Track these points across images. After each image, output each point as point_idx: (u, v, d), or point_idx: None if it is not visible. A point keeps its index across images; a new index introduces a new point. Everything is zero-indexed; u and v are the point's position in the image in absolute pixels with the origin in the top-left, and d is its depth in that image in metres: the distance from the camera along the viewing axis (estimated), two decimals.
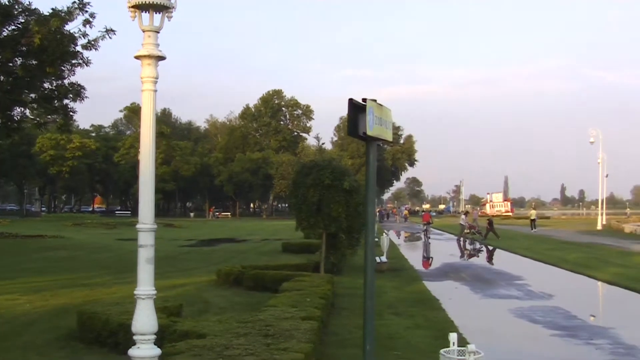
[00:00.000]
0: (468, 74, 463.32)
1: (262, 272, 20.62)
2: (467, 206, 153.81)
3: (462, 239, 51.83)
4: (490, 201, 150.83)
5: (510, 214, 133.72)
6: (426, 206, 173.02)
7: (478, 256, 38.03)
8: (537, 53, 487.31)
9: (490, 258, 37.08)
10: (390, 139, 6.84)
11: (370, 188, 6.44)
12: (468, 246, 46.23)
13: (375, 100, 6.22)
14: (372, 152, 6.38)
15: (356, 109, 6.01)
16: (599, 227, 75.05)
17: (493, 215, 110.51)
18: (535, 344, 14.09)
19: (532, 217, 73.43)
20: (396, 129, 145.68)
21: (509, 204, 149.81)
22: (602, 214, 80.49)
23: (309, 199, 22.00)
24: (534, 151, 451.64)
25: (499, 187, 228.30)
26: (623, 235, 59.48)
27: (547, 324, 15.72)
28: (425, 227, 57.38)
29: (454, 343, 7.41)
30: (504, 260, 36.00)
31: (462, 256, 38.45)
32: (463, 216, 57.05)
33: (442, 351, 7.37)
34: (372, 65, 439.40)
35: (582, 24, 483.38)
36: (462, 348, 7.22)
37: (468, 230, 51.69)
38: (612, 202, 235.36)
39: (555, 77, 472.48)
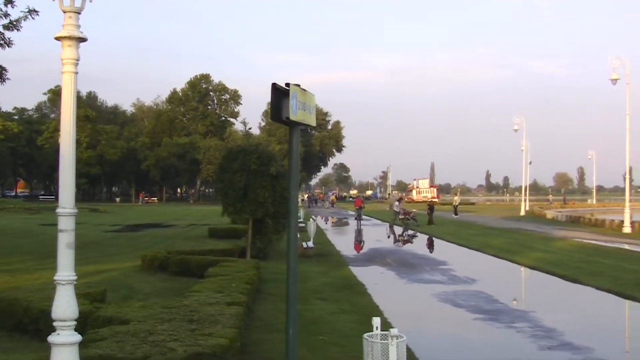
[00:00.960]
0: (397, 61, 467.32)
1: (187, 258, 20.46)
2: (395, 192, 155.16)
3: (400, 224, 51.23)
4: (417, 187, 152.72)
5: (436, 200, 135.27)
6: (353, 192, 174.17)
7: (412, 242, 38.22)
8: (465, 40, 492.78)
9: (430, 245, 37.20)
10: (314, 124, 6.84)
11: (293, 173, 6.43)
12: (402, 232, 46.30)
13: (298, 85, 6.21)
14: (295, 137, 6.37)
15: (280, 93, 5.99)
16: (522, 213, 76.55)
17: (420, 202, 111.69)
18: (458, 328, 14.32)
19: (455, 204, 74.78)
20: (324, 115, 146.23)
21: (435, 190, 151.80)
22: (525, 201, 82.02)
23: (235, 184, 21.89)
24: (460, 138, 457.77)
25: (426, 174, 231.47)
26: (545, 221, 60.74)
27: (470, 308, 15.96)
28: (358, 212, 58.65)
29: (377, 327, 7.46)
30: (429, 245, 36.43)
31: (396, 242, 38.40)
32: (397, 202, 56.99)
33: (365, 335, 7.41)
34: (302, 51, 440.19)
35: (508, 12, 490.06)
36: (385, 332, 7.27)
37: (403, 217, 51.75)
38: (536, 189, 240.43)
39: (481, 64, 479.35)
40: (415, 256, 28.59)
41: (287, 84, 6.04)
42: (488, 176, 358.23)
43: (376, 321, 7.44)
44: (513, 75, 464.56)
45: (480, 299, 17.17)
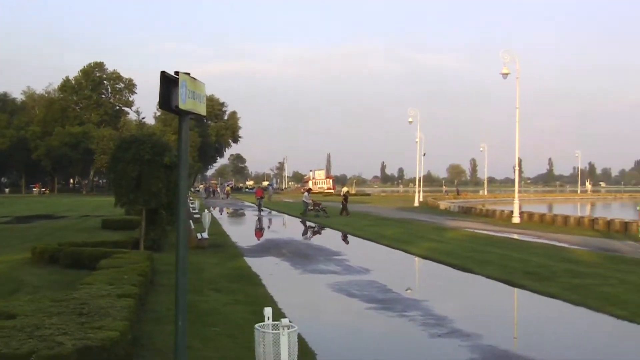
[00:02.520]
0: (294, 52, 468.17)
1: (79, 250, 20.04)
2: (291, 183, 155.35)
3: (311, 215, 50.72)
4: (313, 178, 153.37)
5: (332, 191, 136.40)
6: (250, 182, 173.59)
7: (321, 233, 38.22)
8: (362, 33, 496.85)
9: (326, 236, 37.28)
10: (205, 114, 6.77)
11: (182, 163, 6.35)
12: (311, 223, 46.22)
13: (188, 74, 6.13)
14: (185, 126, 6.29)
15: (169, 82, 5.91)
16: (416, 204, 77.90)
17: (316, 192, 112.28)
18: (351, 317, 14.46)
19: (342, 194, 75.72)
20: (220, 105, 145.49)
21: (331, 181, 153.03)
22: (419, 192, 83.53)
23: (128, 174, 21.50)
24: (356, 130, 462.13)
25: (322, 165, 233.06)
26: (438, 212, 62.01)
27: (364, 297, 16.13)
28: (258, 202, 60.28)
29: (268, 317, 7.44)
30: (325, 236, 36.71)
31: (305, 234, 38.25)
32: (306, 193, 56.78)
33: (256, 326, 7.38)
34: (200, 41, 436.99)
35: (403, 5, 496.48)
36: (277, 322, 7.27)
37: (312, 208, 51.64)
38: (430, 180, 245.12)
39: (377, 57, 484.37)
40: (310, 247, 28.73)
41: (177, 72, 5.96)
42: (383, 167, 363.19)
43: (268, 311, 7.43)
44: (408, 68, 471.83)
45: (374, 289, 17.37)
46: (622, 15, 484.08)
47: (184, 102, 5.99)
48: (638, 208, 30.27)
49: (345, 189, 73.34)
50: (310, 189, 68.92)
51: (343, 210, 52.44)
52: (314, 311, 15.23)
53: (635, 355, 11.68)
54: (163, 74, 5.92)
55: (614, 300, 15.14)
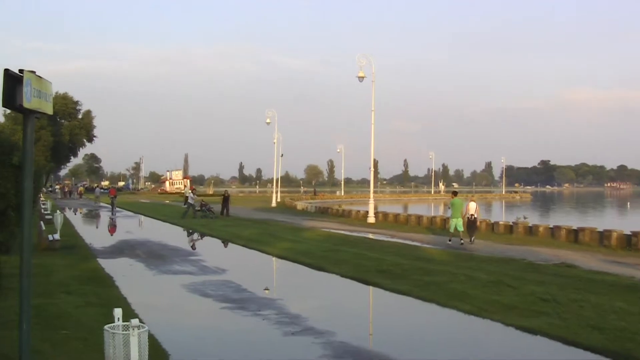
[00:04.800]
0: (155, 52, 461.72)
1: None
2: (148, 183, 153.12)
3: (198, 216, 49.42)
4: (170, 178, 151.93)
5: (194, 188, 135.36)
6: (105, 183, 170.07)
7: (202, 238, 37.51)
8: (221, 34, 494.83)
9: (183, 237, 36.98)
10: (51, 112, 6.64)
11: (27, 163, 6.20)
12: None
13: (34, 72, 6.02)
14: (29, 125, 6.16)
15: (13, 80, 5.77)
16: (274, 204, 78.21)
17: (173, 193, 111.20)
18: (206, 317, 14.46)
19: (187, 194, 75.46)
20: (74, 104, 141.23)
21: (188, 181, 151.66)
22: (276, 192, 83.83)
23: None
24: (215, 130, 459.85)
25: (180, 165, 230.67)
26: (295, 212, 62.50)
27: (219, 297, 16.14)
28: (112, 201, 60.74)
29: (118, 318, 7.39)
30: (182, 237, 36.43)
31: (190, 235, 37.33)
32: (191, 194, 55.40)
33: (106, 327, 7.31)
34: (56, 38, 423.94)
35: (264, 8, 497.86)
36: (127, 323, 7.22)
37: (199, 208, 50.46)
38: (288, 181, 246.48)
39: (236, 59, 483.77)
40: (166, 247, 28.39)
41: (21, 71, 5.84)
42: (241, 168, 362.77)
43: (117, 312, 7.38)
44: (267, 70, 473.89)
45: (229, 289, 17.39)
46: (475, 24, 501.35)
47: (29, 100, 5.88)
48: (448, 206, 32.16)
49: (225, 190, 72.83)
50: (194, 189, 67.79)
51: (224, 209, 51.88)
52: (168, 312, 15.12)
53: (481, 347, 12.15)
54: (7, 71, 5.79)
55: (461, 296, 15.72)
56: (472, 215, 31.14)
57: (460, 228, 30.64)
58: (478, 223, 32.58)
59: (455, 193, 35.03)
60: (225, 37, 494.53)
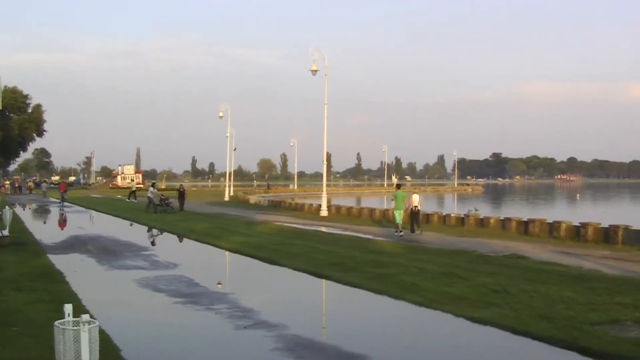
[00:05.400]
0: (107, 45, 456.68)
1: None
2: (99, 178, 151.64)
3: (155, 211, 48.60)
4: (122, 173, 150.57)
5: (141, 185, 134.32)
6: (55, 178, 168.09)
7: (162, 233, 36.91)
8: (173, 27, 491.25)
9: (133, 231, 36.58)
10: (0, 107, 6.57)
11: None
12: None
13: None
14: None
15: None
16: (227, 198, 78.04)
17: (125, 187, 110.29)
18: (158, 312, 14.40)
19: (133, 188, 74.76)
20: (24, 98, 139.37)
21: (140, 175, 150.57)
22: (229, 186, 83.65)
23: None
24: (167, 124, 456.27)
25: (132, 159, 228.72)
26: (248, 206, 62.41)
27: (171, 292, 16.08)
28: (62, 196, 61.02)
29: (69, 314, 7.34)
30: (134, 231, 36.18)
31: (149, 230, 36.64)
32: (151, 188, 54.41)
33: (56, 323, 7.26)
34: (6, 30, 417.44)
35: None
36: (77, 319, 7.17)
37: (159, 203, 49.71)
38: (241, 175, 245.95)
39: (188, 52, 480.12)
40: (118, 243, 28.15)
41: None
42: (194, 162, 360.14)
43: (68, 308, 7.33)
44: (219, 63, 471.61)
45: (181, 283, 17.34)
46: (430, 20, 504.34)
47: None
48: (392, 198, 32.94)
49: (132, 183, 72.00)
50: (154, 183, 67.00)
51: (181, 205, 51.24)
52: (120, 307, 15.00)
53: (432, 338, 12.31)
54: None
55: (412, 288, 15.85)
56: (415, 207, 31.86)
57: (399, 220, 31.41)
58: (421, 215, 33.19)
59: (398, 186, 36.38)
60: (177, 30, 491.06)
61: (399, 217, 31.51)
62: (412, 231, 31.23)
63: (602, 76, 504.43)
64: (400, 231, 31.00)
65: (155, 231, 34.97)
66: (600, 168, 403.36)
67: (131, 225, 40.11)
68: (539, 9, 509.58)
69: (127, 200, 68.33)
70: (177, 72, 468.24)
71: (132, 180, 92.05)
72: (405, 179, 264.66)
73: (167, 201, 50.15)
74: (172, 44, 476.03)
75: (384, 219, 41.27)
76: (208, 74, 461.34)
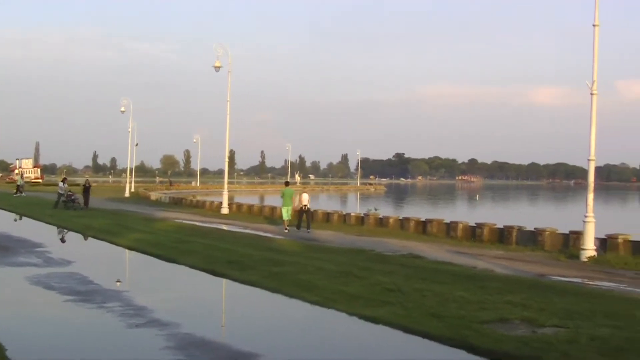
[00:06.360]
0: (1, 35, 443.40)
1: None
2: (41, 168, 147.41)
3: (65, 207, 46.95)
4: (20, 167, 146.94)
5: (40, 180, 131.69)
6: None
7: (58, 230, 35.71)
8: (70, 19, 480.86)
9: (27, 227, 35.79)
10: None
11: None
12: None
13: None
14: None
15: None
16: (127, 194, 77.07)
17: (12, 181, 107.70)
18: (48, 310, 14.10)
19: (19, 183, 73.36)
20: None
21: (39, 170, 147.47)
22: (130, 182, 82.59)
23: None
24: (67, 118, 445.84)
25: (30, 153, 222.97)
26: (149, 203, 61.93)
27: (63, 289, 15.75)
28: None
29: None
30: (28, 227, 35.37)
31: (59, 229, 35.36)
32: (61, 184, 52.50)
33: None
34: None
35: None
36: None
37: (65, 199, 48.25)
38: (143, 171, 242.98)
39: (89, 44, 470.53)
40: (10, 238, 27.41)
41: None
42: (95, 157, 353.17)
43: None
44: (120, 57, 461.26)
45: (74, 281, 17.01)
46: (335, 20, 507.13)
47: None
48: (280, 195, 34.10)
49: (86, 179, 70.44)
50: (65, 178, 65.05)
51: (86, 201, 49.91)
52: (8, 305, 14.65)
53: (323, 336, 12.41)
54: None
55: (309, 287, 15.89)
56: (305, 205, 32.50)
57: (287, 217, 32.27)
58: (312, 213, 34.27)
59: (287, 183, 38.29)
60: (76, 22, 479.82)
61: (286, 213, 32.40)
62: (298, 228, 31.91)
63: (502, 80, 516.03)
64: (286, 228, 31.86)
65: (53, 228, 34.23)
66: (500, 169, 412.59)
67: (21, 219, 39.16)
68: (442, 12, 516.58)
69: (15, 195, 66.70)
70: (76, 64, 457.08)
71: (21, 175, 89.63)
72: (309, 177, 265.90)
73: (73, 197, 48.72)
74: (70, 36, 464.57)
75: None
76: (109, 68, 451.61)
